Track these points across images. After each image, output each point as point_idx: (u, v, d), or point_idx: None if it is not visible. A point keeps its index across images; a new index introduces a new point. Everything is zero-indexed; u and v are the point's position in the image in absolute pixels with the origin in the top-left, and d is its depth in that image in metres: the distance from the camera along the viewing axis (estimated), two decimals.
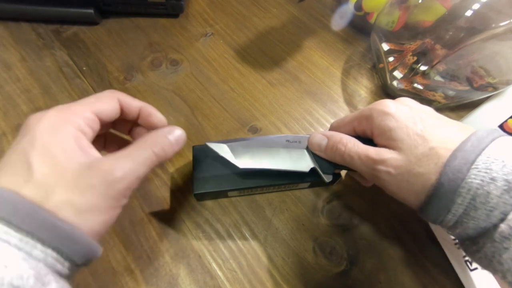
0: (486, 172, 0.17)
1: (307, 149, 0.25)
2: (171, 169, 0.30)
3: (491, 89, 0.31)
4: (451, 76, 0.30)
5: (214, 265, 0.25)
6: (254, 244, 0.27)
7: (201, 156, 0.26)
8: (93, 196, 0.16)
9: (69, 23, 0.39)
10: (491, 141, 0.18)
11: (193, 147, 0.27)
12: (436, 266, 0.26)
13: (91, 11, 0.37)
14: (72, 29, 0.38)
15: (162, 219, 0.27)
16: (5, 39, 0.37)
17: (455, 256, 0.26)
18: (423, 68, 0.31)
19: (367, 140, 0.22)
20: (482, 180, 0.17)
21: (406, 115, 0.20)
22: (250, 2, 0.44)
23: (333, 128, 0.26)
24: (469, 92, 0.31)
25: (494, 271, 0.18)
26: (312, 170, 0.24)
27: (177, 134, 0.21)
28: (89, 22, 0.38)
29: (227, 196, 0.28)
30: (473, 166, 0.17)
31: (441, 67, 0.30)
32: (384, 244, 0.27)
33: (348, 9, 0.41)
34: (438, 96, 0.32)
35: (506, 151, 0.17)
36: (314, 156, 0.25)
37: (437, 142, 0.19)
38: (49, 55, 0.36)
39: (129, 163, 0.18)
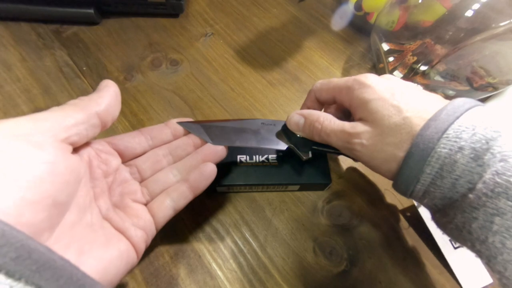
0: (455, 141, 0.16)
1: (282, 131, 0.26)
2: None
3: (491, 89, 0.31)
4: (451, 76, 0.30)
5: (214, 265, 0.25)
6: (254, 244, 0.26)
7: None
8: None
9: (69, 23, 0.39)
10: (466, 110, 0.17)
11: None
12: (436, 267, 0.26)
13: (91, 11, 0.37)
14: (72, 29, 0.38)
15: None
16: (5, 39, 0.37)
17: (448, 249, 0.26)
18: (423, 68, 0.31)
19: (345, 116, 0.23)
20: (450, 149, 0.17)
21: (385, 88, 0.20)
22: (250, 2, 0.44)
23: (316, 88, 0.25)
24: (469, 92, 0.31)
25: (464, 241, 0.18)
26: (289, 149, 0.25)
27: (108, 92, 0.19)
28: (89, 22, 0.38)
29: (215, 191, 0.28)
30: (444, 135, 0.17)
31: (441, 67, 0.30)
32: (384, 244, 0.27)
33: (348, 9, 0.41)
34: None
35: (479, 119, 0.17)
36: (290, 137, 0.25)
37: (412, 112, 0.19)
38: (49, 55, 0.36)
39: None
